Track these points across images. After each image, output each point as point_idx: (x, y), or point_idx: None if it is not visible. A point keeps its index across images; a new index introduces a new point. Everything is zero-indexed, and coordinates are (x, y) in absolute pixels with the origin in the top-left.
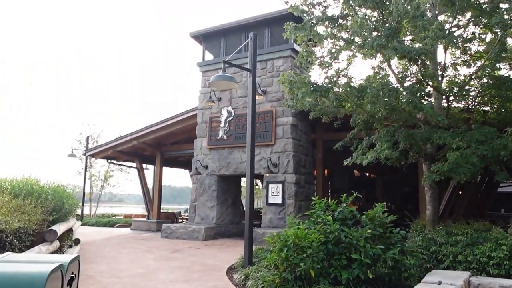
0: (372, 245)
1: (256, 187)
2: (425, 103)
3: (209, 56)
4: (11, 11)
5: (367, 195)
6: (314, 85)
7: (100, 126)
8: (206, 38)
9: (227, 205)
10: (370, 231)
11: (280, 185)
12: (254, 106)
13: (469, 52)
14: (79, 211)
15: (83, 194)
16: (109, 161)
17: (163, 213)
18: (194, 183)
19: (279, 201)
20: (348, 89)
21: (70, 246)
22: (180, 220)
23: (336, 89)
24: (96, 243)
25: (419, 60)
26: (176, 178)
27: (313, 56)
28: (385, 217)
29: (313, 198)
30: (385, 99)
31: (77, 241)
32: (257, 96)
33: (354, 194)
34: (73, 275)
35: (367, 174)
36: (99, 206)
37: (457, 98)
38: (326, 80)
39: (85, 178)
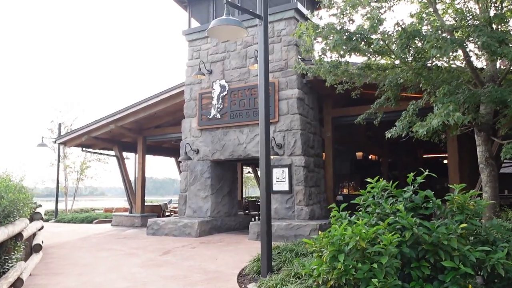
0: (470, 246)
1: (248, 174)
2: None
3: (196, 25)
4: None
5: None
6: (348, 33)
7: (74, 112)
8: (192, 1)
9: (222, 195)
10: (463, 225)
11: (286, 169)
12: (267, 66)
13: None
14: (41, 210)
15: (56, 187)
16: (84, 149)
17: (148, 206)
18: (184, 170)
19: (286, 187)
20: (398, 31)
21: (25, 257)
22: (167, 214)
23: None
24: (69, 245)
25: None
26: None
27: None
28: (480, 204)
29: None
30: (451, 45)
31: (37, 248)
32: (255, 65)
33: (425, 172)
34: None
35: (370, 157)
36: (76, 200)
37: None
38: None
39: (58, 170)
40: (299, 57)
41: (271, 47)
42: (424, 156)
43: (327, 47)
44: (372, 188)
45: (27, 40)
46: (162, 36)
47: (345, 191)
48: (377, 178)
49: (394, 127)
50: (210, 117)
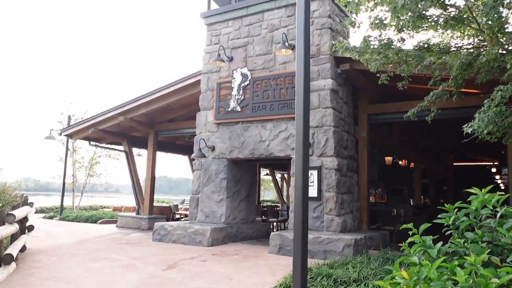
0: None
1: (266, 177)
2: None
3: (216, 8)
4: None
5: (409, 188)
6: None
7: (85, 105)
8: None
9: (239, 199)
10: None
11: (315, 172)
12: (307, 39)
13: None
14: (25, 209)
15: (63, 183)
16: (91, 143)
17: (157, 207)
18: (197, 169)
19: (314, 193)
20: None
21: None
22: (177, 217)
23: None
24: (61, 250)
25: None
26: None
27: None
28: None
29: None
30: None
31: (7, 259)
32: (283, 50)
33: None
34: None
35: (400, 162)
36: (91, 196)
37: None
38: None
39: (65, 164)
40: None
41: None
42: (454, 164)
43: (382, 16)
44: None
45: (37, 31)
46: (178, 23)
47: (371, 199)
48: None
49: (473, 121)
50: (229, 109)
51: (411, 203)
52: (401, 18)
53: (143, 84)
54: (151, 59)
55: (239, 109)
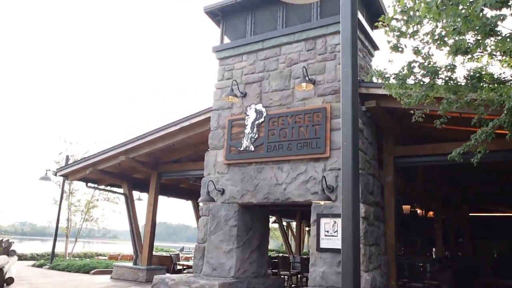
0: None
1: (274, 225)
2: None
3: (228, 41)
4: None
5: (422, 239)
6: None
7: (85, 145)
8: (226, 14)
9: (250, 249)
10: None
11: (339, 220)
12: (355, 39)
13: None
14: (7, 260)
15: (56, 228)
16: (89, 184)
17: (156, 257)
18: (203, 215)
19: (339, 245)
20: None
21: None
22: (179, 268)
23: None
24: None
25: None
26: (172, 214)
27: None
28: None
29: None
30: None
31: None
32: (304, 84)
33: None
34: None
35: (418, 211)
36: (84, 242)
37: None
38: None
39: (60, 208)
40: (362, 79)
41: (322, 66)
42: (470, 214)
43: (441, 32)
44: None
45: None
46: (185, 61)
47: None
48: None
49: None
50: (242, 149)
51: (433, 256)
52: (461, 36)
53: (147, 123)
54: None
55: (253, 149)
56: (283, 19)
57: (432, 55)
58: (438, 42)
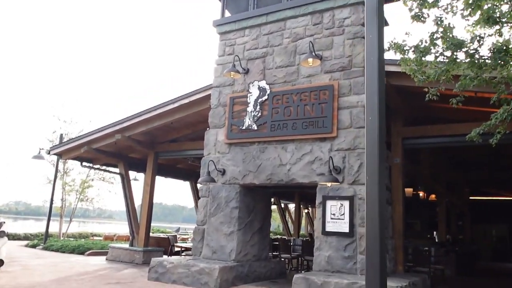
0: None
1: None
2: None
3: (230, 15)
4: None
5: (422, 222)
6: None
7: (80, 124)
8: None
9: (252, 232)
10: None
11: (346, 203)
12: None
13: None
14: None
15: (49, 208)
16: (84, 163)
17: (154, 238)
18: (203, 196)
19: (345, 228)
20: None
21: None
22: (177, 249)
23: None
24: None
25: None
26: (168, 194)
27: None
28: None
29: None
30: None
31: None
32: (310, 60)
33: None
34: None
35: (421, 194)
36: (79, 222)
37: None
38: None
39: (53, 187)
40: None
41: (329, 40)
42: (470, 198)
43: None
44: None
45: (32, 43)
46: (183, 35)
47: None
48: None
49: None
50: (244, 128)
51: (436, 240)
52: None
53: (146, 100)
54: (157, 73)
55: (256, 128)
56: None
57: (454, 27)
58: (472, 7)
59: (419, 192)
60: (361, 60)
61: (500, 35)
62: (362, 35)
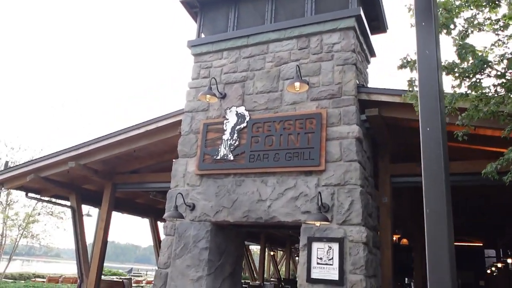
0: None
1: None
2: None
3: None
4: None
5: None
6: None
7: (32, 152)
8: (205, 5)
9: (223, 277)
10: None
11: (335, 246)
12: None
13: None
14: None
15: None
16: (29, 195)
17: (106, 282)
18: (168, 234)
19: (334, 276)
20: None
21: None
22: None
23: None
24: None
25: None
26: (121, 232)
27: None
28: None
29: None
30: None
31: None
32: (297, 85)
33: None
34: None
35: (394, 238)
36: (23, 260)
37: None
38: None
39: None
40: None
41: (317, 66)
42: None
43: None
44: None
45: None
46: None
47: None
48: None
49: None
50: (218, 157)
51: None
52: None
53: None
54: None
55: (232, 158)
56: (272, 14)
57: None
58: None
59: (393, 235)
60: (351, 88)
61: None
62: (353, 61)
